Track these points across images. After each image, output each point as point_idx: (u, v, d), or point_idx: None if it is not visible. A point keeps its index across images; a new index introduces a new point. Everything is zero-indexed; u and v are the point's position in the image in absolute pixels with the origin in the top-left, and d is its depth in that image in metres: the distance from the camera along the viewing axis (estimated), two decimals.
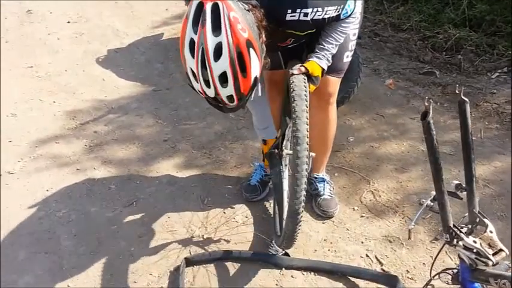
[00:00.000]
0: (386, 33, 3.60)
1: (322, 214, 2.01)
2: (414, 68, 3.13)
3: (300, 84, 1.57)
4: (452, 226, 1.26)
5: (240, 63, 1.35)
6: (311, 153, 1.71)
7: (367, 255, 1.81)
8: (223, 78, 1.35)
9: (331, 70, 1.73)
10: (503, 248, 1.22)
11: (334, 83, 1.82)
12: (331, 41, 1.62)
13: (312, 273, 1.73)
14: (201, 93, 1.44)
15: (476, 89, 2.77)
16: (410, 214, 1.99)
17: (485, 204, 1.99)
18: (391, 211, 2.03)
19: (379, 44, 3.52)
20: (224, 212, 2.09)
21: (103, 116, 2.95)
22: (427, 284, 1.47)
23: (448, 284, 1.50)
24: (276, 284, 1.71)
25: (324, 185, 2.06)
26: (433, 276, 1.44)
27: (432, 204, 1.36)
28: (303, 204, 1.53)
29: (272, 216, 1.98)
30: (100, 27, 4.26)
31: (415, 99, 2.82)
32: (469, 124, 1.27)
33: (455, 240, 1.26)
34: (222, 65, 1.33)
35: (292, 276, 1.73)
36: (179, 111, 2.97)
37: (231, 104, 1.44)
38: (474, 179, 1.29)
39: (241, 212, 2.08)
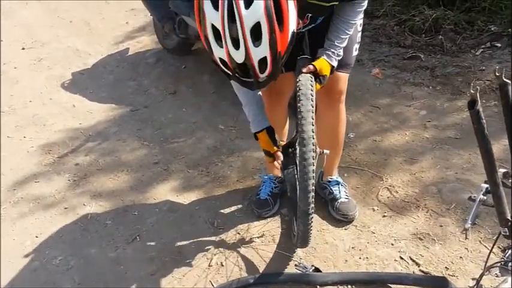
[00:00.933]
0: None
1: (343, 218, 1.90)
2: (397, 54, 3.07)
3: (306, 83, 1.49)
4: (510, 219, 1.17)
5: (276, 11, 1.14)
6: (324, 151, 1.62)
7: (401, 258, 1.71)
8: (255, 33, 1.14)
9: (341, 66, 1.62)
10: None
11: (344, 79, 1.71)
12: (340, 35, 1.51)
13: (349, 286, 1.61)
14: (225, 63, 1.21)
15: (465, 68, 2.75)
16: (434, 207, 1.91)
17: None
18: (413, 206, 1.94)
19: None
20: (238, 233, 1.93)
21: (81, 145, 2.71)
22: (478, 281, 1.39)
23: (497, 276, 1.43)
24: None
25: (339, 187, 1.95)
26: (486, 271, 1.35)
27: (485, 198, 1.27)
28: (312, 205, 1.50)
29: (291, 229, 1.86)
30: (59, 49, 3.97)
31: (406, 86, 2.76)
32: (510, 105, 1.18)
33: None
34: (256, 13, 1.12)
35: None
36: (163, 129, 2.78)
37: (262, 75, 1.24)
38: None
39: (257, 230, 1.93)
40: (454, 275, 1.61)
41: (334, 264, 1.72)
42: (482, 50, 2.83)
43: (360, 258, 1.74)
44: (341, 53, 1.54)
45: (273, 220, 1.98)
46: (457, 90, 2.60)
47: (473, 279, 1.54)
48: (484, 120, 1.10)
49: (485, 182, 1.34)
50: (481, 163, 2.08)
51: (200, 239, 1.93)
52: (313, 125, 1.46)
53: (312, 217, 1.51)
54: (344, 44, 1.54)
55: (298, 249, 1.80)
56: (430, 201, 1.94)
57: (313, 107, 1.48)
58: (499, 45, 2.82)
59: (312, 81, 1.50)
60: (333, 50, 1.53)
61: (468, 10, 3.05)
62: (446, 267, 1.64)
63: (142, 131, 2.79)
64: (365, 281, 1.59)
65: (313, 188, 1.46)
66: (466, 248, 1.70)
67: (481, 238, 1.73)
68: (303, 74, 1.50)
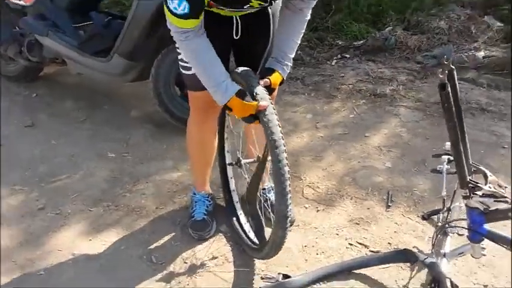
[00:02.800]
0: None
1: None
2: None
3: (261, 90, 1.48)
4: (469, 181, 1.39)
5: None
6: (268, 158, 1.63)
7: (350, 244, 1.81)
8: None
9: None
10: (507, 185, 1.43)
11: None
12: (293, 46, 1.57)
13: (321, 282, 1.63)
14: None
15: (328, 76, 3.13)
16: (355, 193, 2.09)
17: (398, 165, 2.28)
18: (337, 196, 2.08)
19: None
20: (185, 262, 1.73)
21: None
22: (434, 244, 1.58)
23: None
24: None
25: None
26: (444, 227, 1.55)
27: (449, 167, 1.47)
28: (290, 207, 1.46)
29: (242, 236, 1.78)
30: None
31: (285, 95, 2.96)
32: (457, 88, 1.42)
33: (471, 192, 1.40)
34: None
35: None
36: (35, 168, 2.29)
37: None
38: (466, 135, 1.46)
39: (204, 253, 1.77)
40: (398, 247, 1.80)
41: (297, 266, 1.71)
42: (336, 60, 3.29)
43: (316, 254, 1.77)
44: (291, 63, 1.59)
45: (216, 240, 1.84)
46: (328, 94, 2.94)
47: (413, 247, 1.76)
48: (452, 100, 1.29)
49: (433, 156, 1.58)
50: (373, 151, 2.41)
51: (143, 280, 1.65)
52: (280, 126, 1.44)
53: (290, 220, 1.47)
54: (293, 55, 1.59)
55: (256, 262, 1.72)
56: (350, 189, 2.12)
57: (275, 109, 1.47)
58: (348, 56, 3.32)
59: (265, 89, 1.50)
60: (286, 63, 1.56)
61: (316, 29, 3.50)
62: (389, 243, 1.82)
63: (6, 174, 2.24)
64: (336, 272, 1.63)
65: (290, 189, 1.44)
66: (396, 223, 1.93)
67: (402, 212, 1.98)
68: (257, 85, 1.47)
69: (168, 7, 1.34)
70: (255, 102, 1.42)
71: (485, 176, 1.43)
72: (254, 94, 1.44)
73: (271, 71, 1.55)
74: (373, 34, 3.33)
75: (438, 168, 1.50)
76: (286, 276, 1.63)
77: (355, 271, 1.66)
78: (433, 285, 1.47)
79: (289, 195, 1.44)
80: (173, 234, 1.87)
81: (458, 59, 3.10)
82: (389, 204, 2.02)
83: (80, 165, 2.31)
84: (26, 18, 2.68)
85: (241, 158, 1.74)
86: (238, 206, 1.92)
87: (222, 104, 1.47)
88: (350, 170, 2.25)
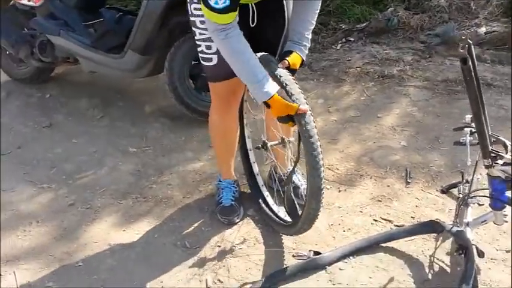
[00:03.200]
0: None
1: None
2: None
3: (283, 72, 1.53)
4: (491, 150, 1.46)
5: None
6: (290, 138, 1.70)
7: (375, 220, 1.88)
8: None
9: None
10: None
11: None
12: (309, 26, 1.61)
13: (351, 257, 1.70)
14: None
15: (335, 60, 3.18)
16: (374, 172, 2.16)
17: (413, 143, 2.34)
18: (357, 176, 2.15)
19: None
20: (218, 246, 1.80)
21: None
22: (457, 215, 1.66)
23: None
24: (333, 284, 1.61)
25: (297, 175, 2.02)
26: (466, 197, 1.61)
27: (471, 138, 1.54)
28: (323, 180, 1.52)
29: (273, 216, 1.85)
30: None
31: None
32: (475, 62, 1.48)
33: (493, 162, 1.47)
34: None
35: (340, 269, 1.65)
36: (60, 166, 2.34)
37: None
38: (485, 107, 1.52)
39: (235, 236, 1.83)
40: (420, 220, 1.87)
41: (326, 243, 1.78)
42: (340, 44, 3.33)
43: (343, 231, 1.84)
44: (309, 44, 1.63)
45: (245, 223, 1.91)
46: (337, 78, 2.99)
47: (436, 219, 1.83)
48: (473, 74, 1.35)
49: (454, 129, 1.64)
50: (387, 131, 2.47)
51: (179, 265, 1.72)
52: (307, 104, 1.49)
53: (324, 192, 1.53)
54: (310, 35, 1.63)
55: (286, 242, 1.79)
56: (368, 169, 2.19)
57: (300, 89, 1.52)
58: (352, 39, 3.37)
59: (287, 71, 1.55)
60: (304, 43, 1.60)
61: (318, 13, 3.52)
62: (412, 217, 1.89)
63: (32, 174, 2.29)
64: (365, 247, 1.70)
65: (323, 162, 1.49)
66: (417, 198, 1.99)
67: (421, 187, 2.05)
68: (278, 68, 1.52)
69: (207, 4, 1.34)
70: (296, 104, 1.43)
71: (505, 146, 1.50)
72: (278, 77, 1.50)
73: (289, 52, 1.59)
74: (375, 16, 3.37)
75: (461, 140, 1.56)
76: (316, 253, 1.70)
77: (383, 244, 1.74)
78: (460, 252, 1.54)
79: (322, 168, 1.49)
80: (202, 220, 1.93)
81: (460, 36, 3.15)
82: (408, 180, 2.09)
83: (104, 161, 2.36)
84: (36, 18, 2.71)
85: (267, 141, 1.79)
86: (264, 188, 1.98)
87: (260, 101, 1.47)
88: (367, 151, 2.32)
